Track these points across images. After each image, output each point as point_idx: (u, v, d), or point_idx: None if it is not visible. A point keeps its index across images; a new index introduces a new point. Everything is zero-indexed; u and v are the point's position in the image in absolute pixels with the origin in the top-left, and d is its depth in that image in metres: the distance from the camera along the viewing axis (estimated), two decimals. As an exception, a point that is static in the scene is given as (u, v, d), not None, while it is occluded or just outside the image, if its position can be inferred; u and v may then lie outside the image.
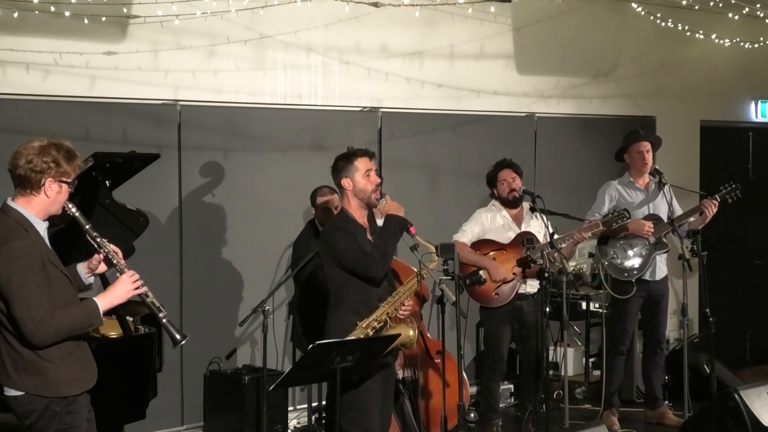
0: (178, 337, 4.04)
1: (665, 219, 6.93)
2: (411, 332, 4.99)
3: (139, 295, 4.00)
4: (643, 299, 7.00)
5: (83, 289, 4.12)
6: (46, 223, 3.93)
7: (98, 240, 4.00)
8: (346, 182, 5.01)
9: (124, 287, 3.95)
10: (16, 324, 3.74)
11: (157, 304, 4.04)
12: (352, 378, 4.76)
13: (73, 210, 3.95)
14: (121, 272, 3.99)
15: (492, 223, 6.59)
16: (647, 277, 6.94)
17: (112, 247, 4.04)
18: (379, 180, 5.03)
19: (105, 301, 3.92)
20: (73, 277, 4.05)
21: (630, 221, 6.68)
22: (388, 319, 4.96)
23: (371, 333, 4.88)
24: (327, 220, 6.05)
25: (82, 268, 4.10)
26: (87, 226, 3.97)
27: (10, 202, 3.88)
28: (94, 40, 6.24)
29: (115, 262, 4.01)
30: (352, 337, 4.80)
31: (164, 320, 4.03)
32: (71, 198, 3.97)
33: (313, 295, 6.11)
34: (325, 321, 5.06)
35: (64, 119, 6.09)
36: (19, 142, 3.90)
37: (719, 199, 6.93)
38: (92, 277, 4.14)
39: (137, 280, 3.98)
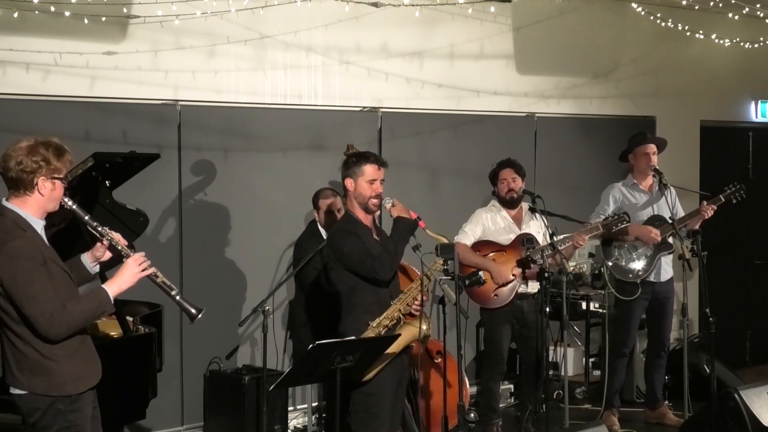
0: (193, 311, 4.03)
1: (669, 220, 6.93)
2: (425, 326, 4.99)
3: (148, 276, 3.97)
4: (648, 301, 6.99)
5: (89, 279, 4.11)
6: (43, 222, 3.93)
7: (99, 228, 3.99)
8: (348, 182, 5.02)
9: (131, 271, 3.94)
10: (29, 322, 3.74)
11: (168, 283, 4.01)
12: (353, 378, 4.76)
13: (70, 203, 3.95)
14: (127, 257, 3.97)
15: (493, 223, 6.58)
16: (652, 278, 6.93)
17: (115, 234, 4.03)
18: (381, 190, 5.02)
19: (114, 287, 3.92)
20: (78, 268, 4.05)
21: (630, 224, 6.67)
22: (401, 316, 4.96)
23: (383, 331, 4.89)
24: (331, 222, 6.04)
25: (86, 257, 4.10)
26: (86, 217, 3.97)
27: (5, 203, 3.88)
28: (94, 40, 6.24)
29: (119, 248, 4.01)
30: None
31: (177, 297, 4.02)
32: (72, 197, 3.97)
33: (317, 300, 6.11)
34: (338, 324, 5.05)
35: (64, 119, 6.09)
36: (10, 146, 3.89)
37: (723, 200, 6.93)
38: (97, 266, 4.14)
39: (143, 262, 3.96)
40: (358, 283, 4.94)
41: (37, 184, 3.83)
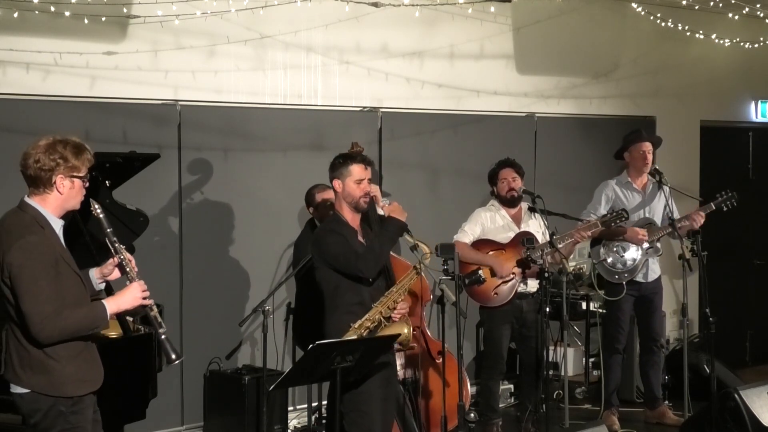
0: (173, 356, 4.03)
1: (660, 221, 6.95)
2: (406, 330, 5.00)
3: (143, 306, 4.00)
4: (636, 297, 7.01)
5: (93, 295, 4.12)
6: (62, 222, 3.95)
7: (116, 245, 4.02)
8: (336, 183, 5.04)
9: (133, 294, 3.96)
10: (24, 319, 3.74)
11: (159, 320, 4.04)
12: (349, 379, 4.76)
13: (99, 211, 3.99)
14: (132, 280, 4.00)
15: (492, 222, 6.60)
16: (640, 278, 6.96)
17: (128, 255, 4.06)
18: (369, 189, 5.04)
19: (112, 304, 3.93)
20: (85, 281, 4.06)
21: (628, 221, 6.69)
22: (382, 319, 4.97)
23: (365, 333, 4.88)
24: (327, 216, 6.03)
25: (94, 273, 4.12)
26: (109, 230, 4.01)
27: (27, 199, 3.91)
28: (94, 40, 6.24)
29: (128, 269, 4.03)
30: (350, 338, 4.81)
31: (163, 337, 4.02)
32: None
33: (310, 294, 6.09)
34: (322, 323, 5.06)
35: (64, 119, 6.09)
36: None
37: (714, 207, 6.95)
38: (103, 284, 4.16)
39: (146, 290, 3.99)
40: (340, 283, 4.95)
41: (55, 182, 3.86)
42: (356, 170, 5.00)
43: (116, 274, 4.11)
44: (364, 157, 5.11)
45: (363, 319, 4.91)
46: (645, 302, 7.05)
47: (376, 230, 5.12)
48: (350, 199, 5.01)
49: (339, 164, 5.04)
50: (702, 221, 6.81)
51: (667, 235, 6.92)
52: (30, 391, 3.84)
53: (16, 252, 3.75)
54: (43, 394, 3.82)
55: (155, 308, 4.04)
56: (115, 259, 4.05)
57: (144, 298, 3.98)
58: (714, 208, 6.95)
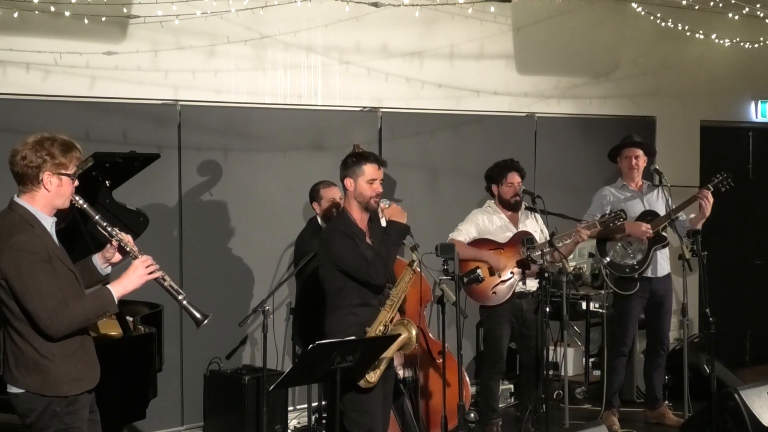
0: (199, 317, 4.01)
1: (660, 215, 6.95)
2: (414, 332, 5.01)
3: (155, 279, 3.95)
4: (646, 299, 7.01)
5: (100, 281, 4.10)
6: (53, 219, 3.92)
7: (109, 229, 3.98)
8: (348, 182, 5.03)
9: (137, 272, 3.92)
10: (30, 318, 3.74)
11: (175, 287, 3.99)
12: (353, 378, 4.77)
13: (81, 202, 3.94)
14: (135, 258, 3.96)
15: (489, 224, 6.60)
16: (649, 274, 6.95)
17: (124, 235, 4.02)
18: (380, 190, 5.04)
19: (119, 288, 3.90)
20: (89, 270, 4.05)
21: (626, 221, 6.70)
22: (389, 324, 4.97)
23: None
24: (332, 214, 6.02)
25: (98, 258, 4.10)
26: (96, 217, 3.96)
27: (16, 199, 3.89)
28: (94, 40, 6.24)
29: (128, 249, 4.00)
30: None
31: (184, 302, 4.00)
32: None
33: (314, 294, 6.09)
34: (323, 322, 5.06)
35: (64, 119, 6.09)
36: (19, 142, 3.90)
37: (712, 188, 6.95)
38: (109, 268, 4.12)
39: (151, 265, 3.94)
40: (345, 284, 4.95)
41: (42, 179, 3.82)
42: (369, 170, 4.99)
43: (118, 256, 4.08)
44: (378, 157, 5.12)
45: (377, 321, 4.93)
46: (656, 305, 7.05)
47: (380, 236, 5.12)
48: (361, 198, 5.01)
49: (352, 163, 5.03)
50: (711, 200, 6.78)
51: (669, 227, 6.93)
52: (25, 391, 3.83)
53: (8, 253, 3.73)
54: (38, 394, 3.81)
55: (167, 278, 3.98)
56: (114, 242, 4.02)
57: (152, 272, 3.93)
58: (712, 189, 6.95)
